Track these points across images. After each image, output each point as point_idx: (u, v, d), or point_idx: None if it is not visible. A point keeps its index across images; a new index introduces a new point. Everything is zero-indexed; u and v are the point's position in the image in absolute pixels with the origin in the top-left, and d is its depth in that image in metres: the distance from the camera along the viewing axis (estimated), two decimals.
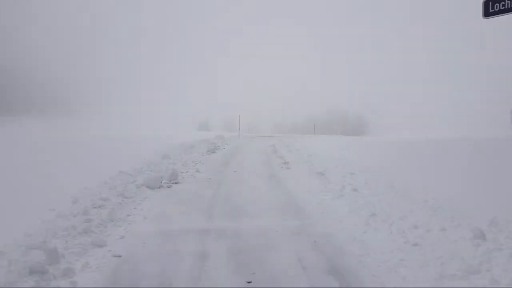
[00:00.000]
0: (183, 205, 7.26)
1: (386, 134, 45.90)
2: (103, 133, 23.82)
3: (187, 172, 10.79)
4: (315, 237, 5.25)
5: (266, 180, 9.68)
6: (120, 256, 4.75)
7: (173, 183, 9.16)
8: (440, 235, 4.68)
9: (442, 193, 6.70)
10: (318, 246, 4.94)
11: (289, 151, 15.86)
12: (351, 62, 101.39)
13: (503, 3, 5.38)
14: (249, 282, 3.96)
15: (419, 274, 3.87)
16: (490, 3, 5.49)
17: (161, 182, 8.81)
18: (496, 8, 5.42)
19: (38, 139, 18.94)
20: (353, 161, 11.48)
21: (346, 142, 20.22)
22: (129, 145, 16.34)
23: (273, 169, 11.39)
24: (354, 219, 5.81)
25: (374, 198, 6.66)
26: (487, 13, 5.43)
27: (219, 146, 17.96)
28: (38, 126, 29.06)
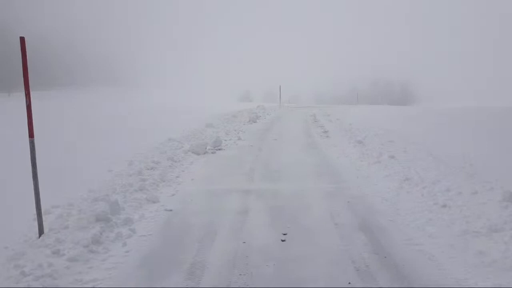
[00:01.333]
0: (226, 169, 7.80)
1: (434, 104, 43.98)
2: (150, 105, 25.03)
3: (230, 139, 11.33)
4: (349, 198, 5.57)
5: (305, 148, 9.99)
6: (171, 210, 5.36)
7: (217, 150, 9.74)
8: (471, 198, 4.82)
9: (481, 160, 6.70)
10: (351, 206, 5.27)
11: (330, 120, 15.94)
12: (396, 29, 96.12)
13: None
14: (284, 234, 4.40)
15: (445, 232, 4.10)
16: None
17: (206, 148, 9.41)
18: None
19: (92, 111, 20.37)
20: (394, 130, 11.43)
21: (390, 112, 19.82)
22: (175, 115, 17.22)
23: (312, 138, 11.64)
24: (388, 183, 6.04)
25: (410, 164, 6.79)
26: None
27: (260, 116, 18.34)
28: (88, 99, 30.99)
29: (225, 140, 11.06)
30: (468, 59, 70.22)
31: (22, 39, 3.79)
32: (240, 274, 3.54)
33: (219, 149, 9.81)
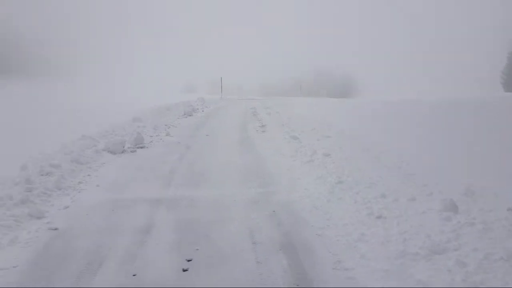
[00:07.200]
0: (142, 171, 6.74)
1: (375, 96, 45.33)
2: (83, 97, 22.82)
3: (157, 135, 10.21)
4: (275, 207, 4.81)
5: (238, 144, 9.17)
6: (56, 229, 4.27)
7: (138, 148, 8.59)
8: (408, 206, 4.25)
9: (418, 158, 6.29)
10: (276, 216, 4.51)
11: (269, 113, 15.27)
12: (341, 24, 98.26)
13: None
14: (189, 261, 3.52)
15: (379, 252, 3.45)
16: None
17: (123, 147, 8.23)
18: None
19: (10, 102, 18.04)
20: (333, 123, 10.99)
21: (330, 104, 19.65)
22: (104, 109, 15.61)
23: (248, 133, 10.85)
24: (319, 187, 5.36)
25: (345, 163, 6.21)
26: None
27: (197, 108, 17.25)
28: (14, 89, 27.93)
29: (151, 136, 9.93)
30: (405, 58, 73.01)
31: None
32: None
33: (141, 147, 8.67)
